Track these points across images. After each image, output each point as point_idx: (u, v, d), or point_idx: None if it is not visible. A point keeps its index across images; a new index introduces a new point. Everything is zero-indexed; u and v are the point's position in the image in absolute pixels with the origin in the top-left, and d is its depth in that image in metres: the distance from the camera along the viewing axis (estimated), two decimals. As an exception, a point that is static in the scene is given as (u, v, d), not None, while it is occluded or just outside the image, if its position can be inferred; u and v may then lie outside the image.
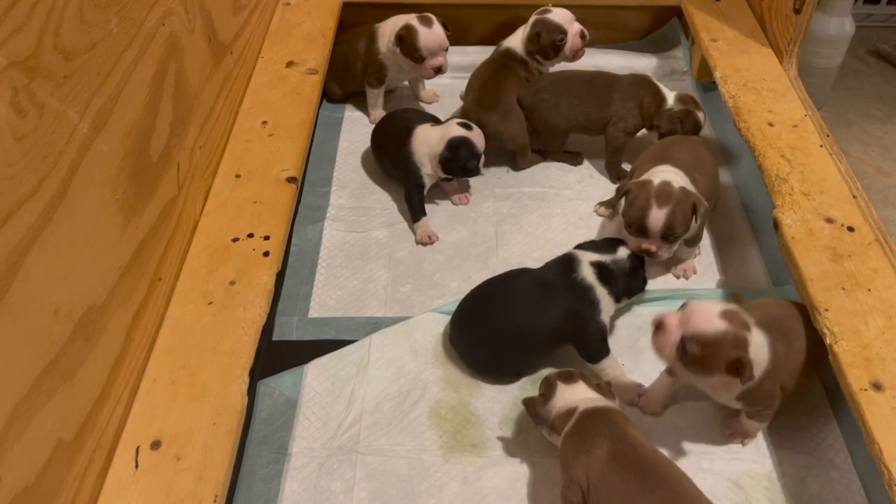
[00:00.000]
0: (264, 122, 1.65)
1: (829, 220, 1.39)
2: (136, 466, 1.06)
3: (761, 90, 1.73)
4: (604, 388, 1.23)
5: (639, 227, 1.40)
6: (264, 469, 1.27)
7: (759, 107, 1.68)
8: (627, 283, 1.39)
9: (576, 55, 1.85)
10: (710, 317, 1.12)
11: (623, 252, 1.39)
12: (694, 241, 1.54)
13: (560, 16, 1.82)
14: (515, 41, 1.88)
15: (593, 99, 1.78)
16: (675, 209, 1.38)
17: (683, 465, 1.27)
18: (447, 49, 1.86)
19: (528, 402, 1.23)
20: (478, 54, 2.19)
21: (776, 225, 1.40)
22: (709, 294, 1.54)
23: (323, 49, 1.90)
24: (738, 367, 1.09)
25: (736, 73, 1.79)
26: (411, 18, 1.84)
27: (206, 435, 1.09)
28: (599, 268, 1.37)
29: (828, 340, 1.19)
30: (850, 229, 1.37)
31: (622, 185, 1.47)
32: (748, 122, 1.63)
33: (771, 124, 1.62)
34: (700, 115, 1.75)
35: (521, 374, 1.41)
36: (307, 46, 1.90)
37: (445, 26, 1.87)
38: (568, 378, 1.22)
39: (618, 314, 1.48)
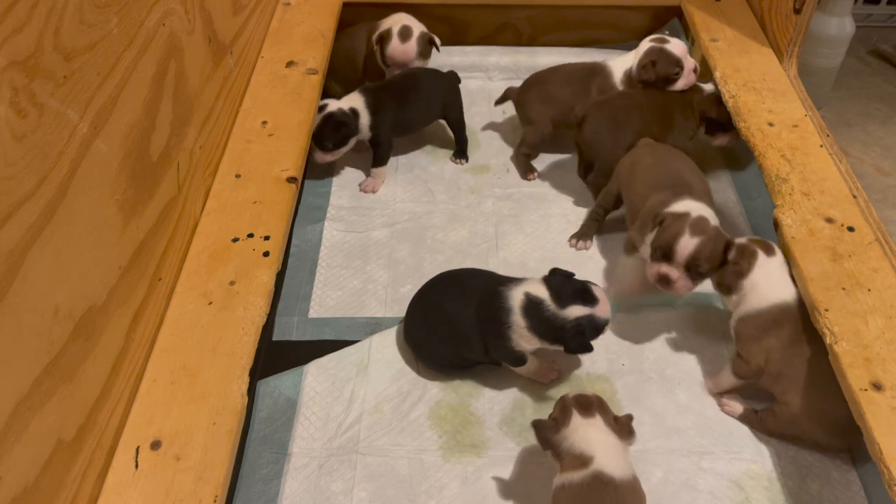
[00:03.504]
0: (264, 122, 1.65)
1: (830, 220, 1.39)
2: (136, 466, 1.06)
3: (761, 90, 1.73)
4: (622, 424, 1.14)
5: (665, 251, 1.33)
6: (264, 469, 1.27)
7: (759, 107, 1.68)
8: (558, 337, 1.27)
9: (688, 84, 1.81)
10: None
11: (574, 312, 1.26)
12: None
13: (677, 48, 1.77)
14: (618, 64, 1.83)
15: (658, 119, 1.72)
16: (706, 241, 1.32)
17: (684, 464, 1.27)
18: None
19: (539, 426, 1.15)
20: (478, 55, 2.19)
21: (776, 225, 1.40)
22: (708, 296, 1.53)
23: (323, 49, 1.90)
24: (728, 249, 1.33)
25: (736, 73, 1.79)
26: (396, 25, 1.87)
27: (206, 435, 1.09)
28: (531, 303, 1.28)
29: (828, 340, 1.19)
30: (851, 229, 1.37)
31: (658, 214, 1.39)
32: (748, 122, 1.63)
33: (771, 124, 1.62)
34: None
35: (454, 366, 1.41)
36: (307, 46, 1.89)
37: (433, 42, 1.88)
38: (586, 408, 1.13)
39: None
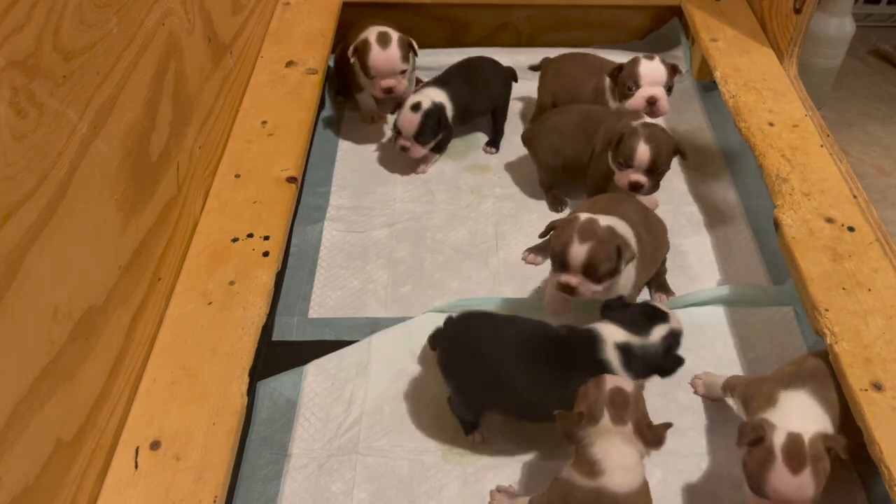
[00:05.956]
0: (264, 122, 1.65)
1: (830, 220, 1.39)
2: (136, 467, 1.06)
3: (761, 90, 1.73)
4: (656, 432, 1.07)
5: (560, 261, 1.30)
6: (264, 470, 1.27)
7: (760, 107, 1.68)
8: (655, 367, 1.22)
9: (646, 113, 1.67)
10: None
11: (658, 333, 1.21)
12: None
13: (648, 69, 1.67)
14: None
15: (582, 132, 1.68)
16: (597, 245, 1.27)
17: (684, 464, 1.27)
18: (404, 72, 1.80)
19: (565, 420, 1.08)
20: (478, 55, 2.19)
21: (777, 225, 1.40)
22: (708, 295, 1.54)
23: (323, 49, 1.90)
24: None
25: (736, 73, 1.79)
26: (372, 33, 1.78)
27: (206, 435, 1.09)
28: (625, 352, 1.20)
29: (828, 340, 1.19)
30: (851, 229, 1.37)
31: (550, 223, 1.36)
32: (748, 122, 1.63)
33: (771, 124, 1.62)
34: (641, 146, 1.50)
35: (477, 418, 1.31)
36: (307, 46, 1.89)
37: (412, 46, 1.80)
38: (620, 410, 1.05)
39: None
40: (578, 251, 1.27)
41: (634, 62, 1.70)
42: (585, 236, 1.28)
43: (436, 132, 1.79)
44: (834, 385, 1.18)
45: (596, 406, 1.06)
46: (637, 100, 1.68)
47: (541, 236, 1.37)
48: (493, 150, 1.93)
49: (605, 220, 1.31)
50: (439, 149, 1.89)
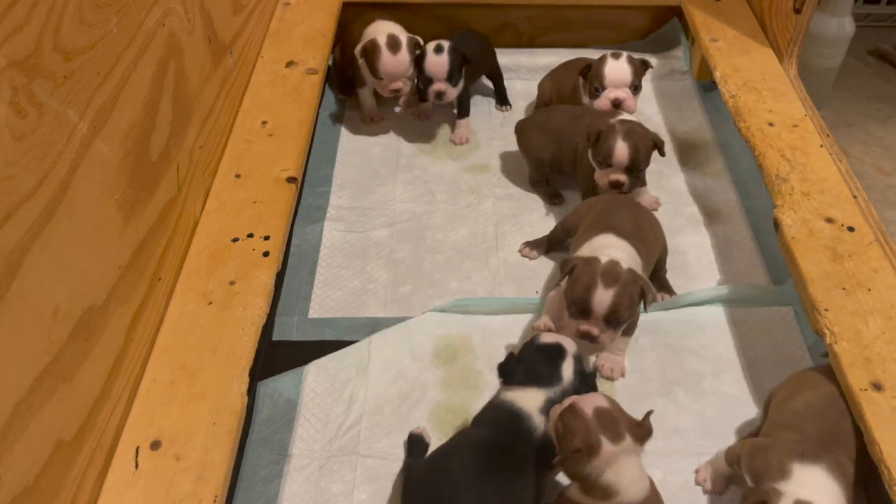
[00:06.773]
0: (264, 122, 1.65)
1: (830, 220, 1.39)
2: (136, 466, 1.06)
3: (761, 90, 1.73)
4: (643, 427, 1.04)
5: (581, 307, 1.24)
6: (264, 470, 1.27)
7: (760, 107, 1.68)
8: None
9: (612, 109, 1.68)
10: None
11: (568, 372, 1.16)
12: (629, 332, 1.37)
13: (613, 70, 1.68)
14: None
15: (567, 130, 1.68)
16: (621, 291, 1.22)
17: (684, 465, 1.27)
18: (411, 76, 1.82)
19: (566, 463, 1.03)
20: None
21: (776, 225, 1.40)
22: (708, 295, 1.54)
23: (323, 49, 1.90)
24: None
25: (736, 73, 1.79)
26: (381, 34, 1.77)
27: (206, 435, 1.09)
28: (551, 405, 1.12)
29: (828, 340, 1.19)
30: (851, 229, 1.37)
31: (567, 260, 1.30)
32: (748, 122, 1.63)
33: (771, 124, 1.62)
34: (620, 144, 1.51)
35: None
36: (307, 46, 1.90)
37: (419, 46, 1.81)
38: (613, 429, 1.01)
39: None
40: (602, 299, 1.22)
41: (601, 62, 1.71)
42: (609, 282, 1.22)
43: (461, 70, 1.82)
44: (846, 446, 1.11)
45: (590, 436, 1.01)
46: (603, 101, 1.70)
47: (560, 280, 1.30)
48: (508, 107, 2.03)
49: (624, 259, 1.27)
50: (465, 112, 1.95)
